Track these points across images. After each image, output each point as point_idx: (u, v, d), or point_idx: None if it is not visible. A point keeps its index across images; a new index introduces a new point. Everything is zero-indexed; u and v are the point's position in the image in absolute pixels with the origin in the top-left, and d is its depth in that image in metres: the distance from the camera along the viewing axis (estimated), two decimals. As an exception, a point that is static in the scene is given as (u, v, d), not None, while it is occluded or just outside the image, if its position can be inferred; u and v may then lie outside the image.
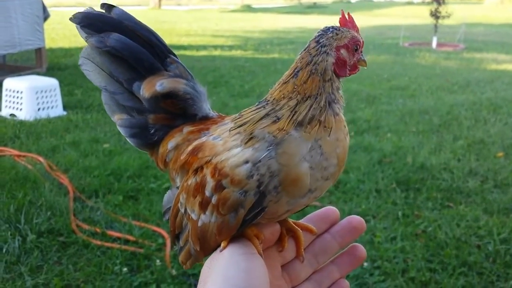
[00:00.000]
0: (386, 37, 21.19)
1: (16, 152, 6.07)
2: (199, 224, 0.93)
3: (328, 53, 0.89)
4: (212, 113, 1.07)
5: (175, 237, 1.05)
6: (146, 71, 1.03)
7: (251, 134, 0.87)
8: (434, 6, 18.13)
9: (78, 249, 4.06)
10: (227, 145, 0.89)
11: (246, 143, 0.87)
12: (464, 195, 5.22)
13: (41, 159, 5.79)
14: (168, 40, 17.91)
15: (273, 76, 11.43)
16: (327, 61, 0.89)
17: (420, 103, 9.27)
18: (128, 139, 1.09)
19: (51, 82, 7.96)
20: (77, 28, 1.02)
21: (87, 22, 1.00)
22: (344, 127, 0.92)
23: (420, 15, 26.53)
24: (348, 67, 0.93)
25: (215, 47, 16.93)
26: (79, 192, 5.01)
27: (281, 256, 0.98)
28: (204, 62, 13.48)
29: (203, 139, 0.95)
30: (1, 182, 5.13)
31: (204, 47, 16.77)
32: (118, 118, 1.07)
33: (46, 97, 7.78)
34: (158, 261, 3.88)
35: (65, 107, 8.14)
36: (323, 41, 0.90)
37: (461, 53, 17.03)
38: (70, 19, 1.01)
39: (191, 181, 0.94)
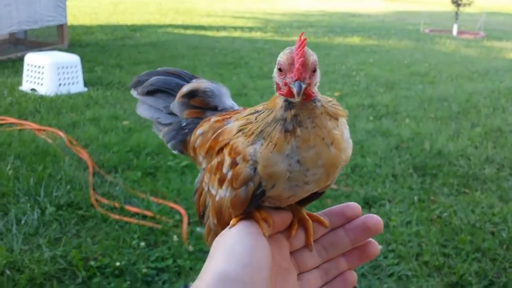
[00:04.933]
0: (407, 23, 20.99)
1: (36, 126, 6.16)
2: (217, 198, 1.02)
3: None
4: (237, 107, 1.18)
5: (200, 215, 1.13)
6: (175, 91, 1.23)
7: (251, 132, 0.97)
8: (455, -7, 17.92)
9: (96, 222, 4.13)
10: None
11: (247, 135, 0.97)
12: (480, 182, 5.21)
13: (61, 133, 5.88)
14: (188, 20, 18.01)
15: (292, 58, 11.38)
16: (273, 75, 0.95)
17: (439, 90, 9.20)
18: (168, 145, 1.24)
19: (73, 59, 8.03)
20: (132, 92, 1.30)
21: (136, 81, 1.27)
22: (322, 140, 0.91)
23: (441, 2, 26.20)
24: (278, 87, 0.93)
25: (235, 28, 16.90)
26: (99, 167, 5.09)
27: (290, 242, 1.02)
28: (224, 43, 13.47)
29: (225, 126, 1.05)
30: (21, 155, 5.22)
31: (224, 28, 16.75)
32: (162, 134, 1.26)
33: (68, 73, 7.86)
34: (175, 237, 3.95)
35: (85, 84, 8.21)
36: None
37: (481, 41, 16.82)
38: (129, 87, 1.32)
39: (214, 161, 1.04)
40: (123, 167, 5.16)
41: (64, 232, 3.99)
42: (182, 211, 4.31)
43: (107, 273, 3.51)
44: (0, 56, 9.92)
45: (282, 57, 0.91)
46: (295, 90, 0.86)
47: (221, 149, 1.02)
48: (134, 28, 15.59)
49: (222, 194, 1.00)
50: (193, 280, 2.97)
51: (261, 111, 0.97)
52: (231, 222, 0.98)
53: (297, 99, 0.87)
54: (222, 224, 1.01)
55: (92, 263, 3.58)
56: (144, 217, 4.23)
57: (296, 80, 0.87)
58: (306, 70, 0.88)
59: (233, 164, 0.96)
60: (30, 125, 6.19)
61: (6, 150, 5.31)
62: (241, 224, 0.95)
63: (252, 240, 0.91)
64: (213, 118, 1.13)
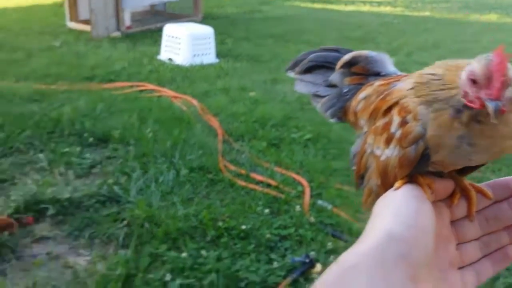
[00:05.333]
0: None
1: (172, 93, 6.58)
2: (382, 158, 1.01)
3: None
4: (400, 73, 1.17)
5: (360, 177, 1.13)
6: (334, 64, 1.26)
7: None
8: None
9: (224, 187, 4.39)
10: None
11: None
12: None
13: (194, 102, 6.23)
14: (317, -7, 17.87)
15: (423, 35, 11.02)
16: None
17: None
18: (327, 113, 1.27)
19: (207, 31, 8.37)
20: (289, 73, 1.36)
21: (293, 63, 1.33)
22: (502, 135, 0.86)
23: None
24: (466, 95, 0.85)
25: (364, 2, 16.56)
26: (227, 135, 5.37)
27: (451, 211, 1.00)
28: (352, 17, 13.30)
29: (391, 88, 1.04)
30: (160, 119, 5.63)
31: (353, 2, 16.48)
32: (321, 104, 1.30)
33: (202, 44, 8.23)
34: (297, 207, 4.08)
35: (217, 55, 8.55)
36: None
37: None
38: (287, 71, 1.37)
39: (380, 122, 1.03)
40: (249, 136, 5.39)
41: (196, 193, 4.29)
42: (305, 182, 4.45)
43: (233, 234, 3.74)
44: (141, 27, 10.60)
45: (478, 69, 0.84)
46: (491, 111, 0.81)
47: (388, 109, 1.01)
48: (262, 2, 15.82)
49: (388, 153, 0.99)
50: (314, 250, 3.08)
51: (437, 77, 0.92)
52: (396, 185, 0.96)
53: (492, 121, 0.82)
54: (386, 185, 1.00)
55: (220, 224, 3.82)
56: (268, 185, 4.42)
57: (494, 100, 0.82)
58: (505, 89, 0.83)
59: (403, 123, 0.95)
60: (167, 92, 6.62)
61: (146, 115, 5.75)
62: (406, 187, 0.94)
63: (418, 203, 0.89)
64: (377, 82, 1.12)
